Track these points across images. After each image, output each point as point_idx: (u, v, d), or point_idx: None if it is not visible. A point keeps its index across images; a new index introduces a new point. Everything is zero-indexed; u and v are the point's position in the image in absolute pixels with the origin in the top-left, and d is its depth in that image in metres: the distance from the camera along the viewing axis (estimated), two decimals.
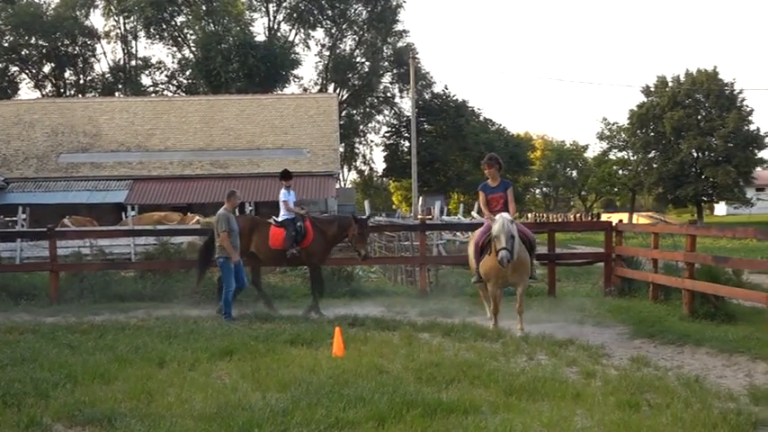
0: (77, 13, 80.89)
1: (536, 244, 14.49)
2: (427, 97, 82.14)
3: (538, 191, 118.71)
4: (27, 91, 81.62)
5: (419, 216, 32.21)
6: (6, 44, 79.63)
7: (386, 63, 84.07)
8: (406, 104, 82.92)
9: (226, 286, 16.23)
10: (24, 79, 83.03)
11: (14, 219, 34.42)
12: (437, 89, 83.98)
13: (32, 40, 79.83)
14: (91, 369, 10.57)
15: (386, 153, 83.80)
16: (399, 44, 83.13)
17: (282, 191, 17.47)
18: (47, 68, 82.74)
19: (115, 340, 12.99)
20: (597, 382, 10.04)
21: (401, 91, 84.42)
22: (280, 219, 17.31)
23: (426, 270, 20.32)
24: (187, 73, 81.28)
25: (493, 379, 9.91)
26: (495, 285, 13.93)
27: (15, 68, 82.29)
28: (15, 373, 10.45)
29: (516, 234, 13.25)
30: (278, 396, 9.12)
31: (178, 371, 10.71)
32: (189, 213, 39.68)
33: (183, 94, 77.09)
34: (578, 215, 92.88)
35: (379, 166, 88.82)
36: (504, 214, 13.35)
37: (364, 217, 18.55)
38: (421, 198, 42.34)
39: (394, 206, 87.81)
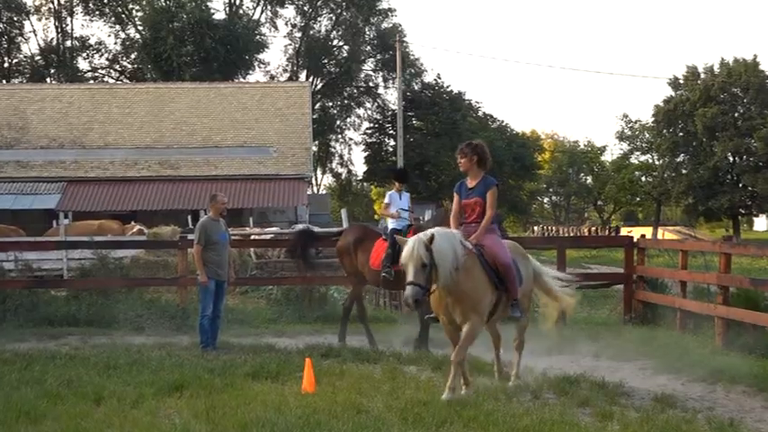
0: None
1: (515, 272, 12.02)
2: (416, 88, 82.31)
3: (546, 200, 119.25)
4: None
5: None
6: None
7: (368, 47, 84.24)
8: (391, 96, 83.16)
9: (201, 310, 16.20)
10: None
11: None
12: (428, 79, 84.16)
13: None
14: (15, 406, 10.53)
15: (367, 153, 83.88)
16: (384, 25, 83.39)
17: (390, 193, 17.41)
18: None
19: (43, 372, 12.95)
20: (614, 425, 10.08)
21: (386, 80, 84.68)
22: (390, 228, 17.04)
23: None
24: (132, 56, 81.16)
25: (492, 421, 9.92)
26: (445, 325, 11.97)
27: None
28: None
29: (450, 258, 11.20)
30: None
31: (118, 409, 10.69)
32: (133, 222, 39.60)
33: (128, 81, 77.02)
34: (593, 229, 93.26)
35: (359, 168, 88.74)
36: (432, 230, 11.32)
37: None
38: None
39: (376, 216, 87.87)
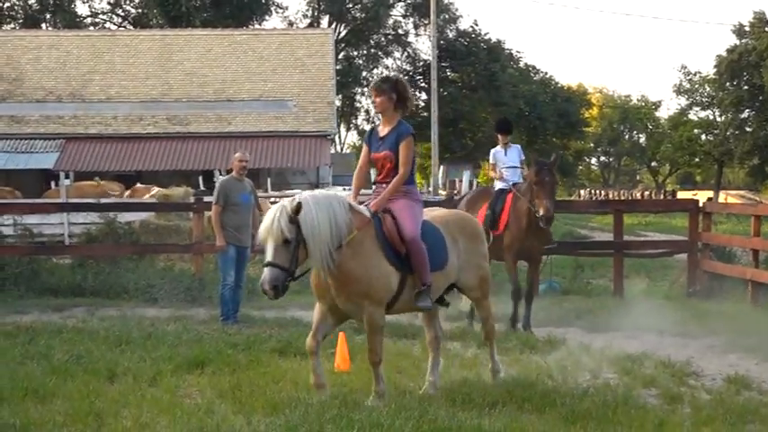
0: None
1: (421, 248, 10.31)
2: (451, 36, 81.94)
3: (594, 160, 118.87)
4: None
5: (441, 191, 32.32)
6: None
7: None
8: (423, 45, 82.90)
9: (221, 279, 16.27)
10: None
11: None
12: (464, 26, 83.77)
13: None
14: (21, 383, 10.60)
15: None
16: None
17: (494, 150, 17.09)
18: None
19: (50, 347, 13.04)
20: (685, 408, 10.11)
21: (417, 27, 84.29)
22: (496, 189, 16.79)
23: None
24: (136, 0, 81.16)
25: (548, 402, 9.94)
26: (321, 312, 10.54)
27: None
28: None
29: (325, 231, 9.78)
30: (267, 421, 9.15)
31: (134, 387, 10.76)
32: (139, 184, 39.69)
33: (131, 28, 77.01)
34: (647, 193, 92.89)
35: None
36: (304, 195, 10.04)
37: (549, 160, 16.53)
38: (442, 168, 42.52)
39: None
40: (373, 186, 10.89)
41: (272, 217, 9.62)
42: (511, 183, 16.26)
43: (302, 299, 18.20)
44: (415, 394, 10.40)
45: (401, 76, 11.08)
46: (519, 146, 17.13)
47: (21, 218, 23.94)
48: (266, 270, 9.61)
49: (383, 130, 10.81)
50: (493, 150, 17.00)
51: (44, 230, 27.15)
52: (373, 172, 11.11)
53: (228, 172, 17.86)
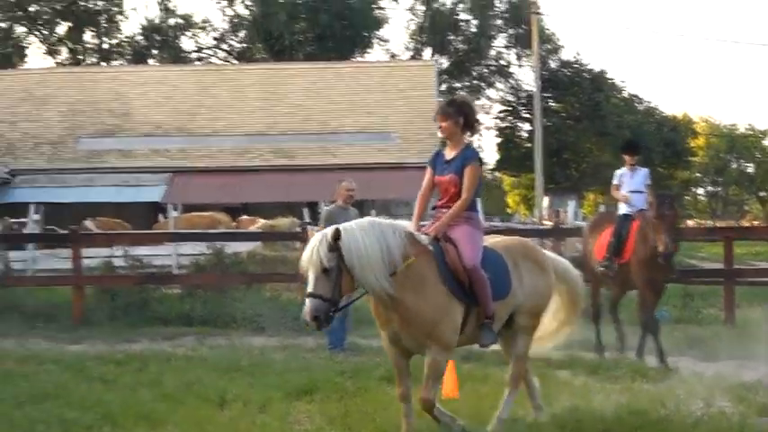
0: None
1: (483, 279, 9.81)
2: (554, 66, 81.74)
3: (701, 190, 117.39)
4: (38, 58, 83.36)
5: (545, 221, 32.16)
6: None
7: (499, 21, 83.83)
8: (525, 75, 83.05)
9: None
10: (34, 43, 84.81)
11: (23, 221, 35.23)
12: (566, 56, 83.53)
13: None
14: (133, 409, 10.80)
15: (499, 139, 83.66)
16: None
17: (619, 172, 16.81)
18: (62, 29, 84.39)
19: (160, 374, 13.27)
20: None
21: (519, 58, 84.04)
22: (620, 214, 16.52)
23: None
24: (241, 34, 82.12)
25: (661, 429, 9.83)
26: (387, 347, 10.27)
27: (23, 29, 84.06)
28: (37, 411, 10.72)
29: (375, 258, 9.37)
30: None
31: (244, 413, 10.89)
32: (244, 216, 40.07)
33: (236, 62, 77.92)
34: (756, 223, 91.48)
35: (490, 156, 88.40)
36: (350, 223, 9.75)
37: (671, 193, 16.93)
38: (547, 198, 42.31)
39: (509, 209, 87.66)
40: (433, 211, 10.51)
41: (312, 246, 9.31)
42: (636, 208, 15.92)
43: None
44: (524, 421, 10.36)
45: (467, 95, 10.39)
46: (647, 170, 16.72)
47: (131, 249, 24.34)
48: (307, 301, 9.25)
49: (449, 154, 10.43)
50: (618, 172, 16.69)
51: (153, 261, 27.53)
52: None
53: (332, 203, 17.96)
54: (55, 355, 15.24)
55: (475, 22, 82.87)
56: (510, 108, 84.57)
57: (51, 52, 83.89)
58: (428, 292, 9.52)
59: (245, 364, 14.04)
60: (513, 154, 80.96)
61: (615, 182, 16.61)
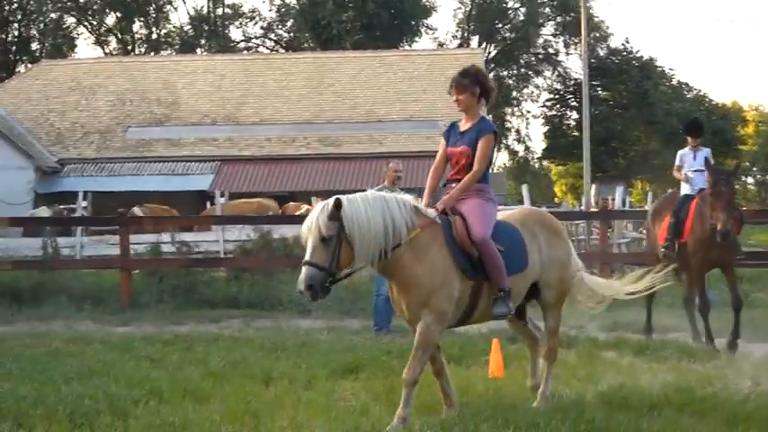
0: None
1: (494, 251, 9.45)
2: (602, 54, 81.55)
3: (750, 179, 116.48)
4: (87, 48, 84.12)
5: (593, 209, 32.01)
6: None
7: (547, 9, 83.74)
8: (573, 64, 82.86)
9: (375, 289, 16.38)
10: (83, 33, 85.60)
11: (72, 206, 35.47)
12: (615, 43, 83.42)
13: None
14: (179, 385, 10.85)
15: (547, 128, 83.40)
16: None
17: (681, 152, 16.54)
18: (110, 19, 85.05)
19: (207, 353, 13.35)
20: None
21: (567, 46, 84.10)
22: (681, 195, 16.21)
23: (609, 271, 20.16)
24: (288, 24, 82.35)
25: (708, 407, 9.78)
26: (412, 329, 9.73)
27: (72, 20, 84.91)
28: (84, 387, 10.79)
29: (378, 230, 9.13)
30: (422, 421, 9.14)
31: (289, 390, 10.89)
32: (290, 203, 40.10)
33: (284, 51, 78.10)
34: None
35: (538, 145, 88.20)
36: (357, 195, 9.40)
37: (729, 169, 16.22)
38: (594, 186, 42.07)
39: (556, 198, 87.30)
40: (444, 184, 10.13)
41: (313, 214, 9.11)
42: (697, 188, 15.60)
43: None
44: (569, 398, 10.30)
45: (477, 66, 9.79)
46: (708, 150, 16.37)
47: (178, 235, 24.46)
48: (303, 269, 8.94)
49: (464, 125, 9.97)
50: (680, 152, 16.43)
51: (200, 247, 27.69)
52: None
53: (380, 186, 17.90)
54: (102, 336, 15.35)
55: (523, 9, 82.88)
56: (557, 96, 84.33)
57: (101, 43, 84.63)
58: (428, 261, 9.23)
59: (291, 345, 14.09)
60: (561, 142, 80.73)
61: (677, 162, 16.32)
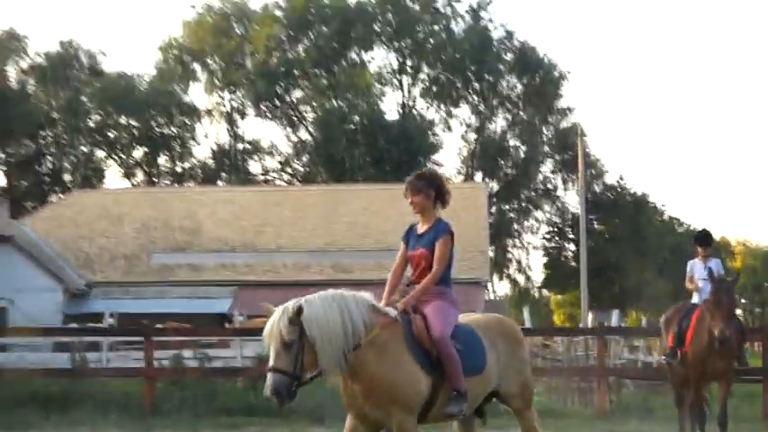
0: (175, 87, 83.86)
1: (450, 350, 9.05)
2: (598, 190, 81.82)
3: (739, 311, 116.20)
4: (115, 179, 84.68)
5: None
6: (92, 124, 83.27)
7: (546, 148, 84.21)
8: (570, 198, 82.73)
9: None
10: (112, 166, 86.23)
11: (99, 325, 35.62)
12: (610, 179, 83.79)
13: (122, 120, 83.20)
14: None
15: (546, 259, 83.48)
16: (563, 124, 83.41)
17: (692, 262, 16.23)
18: (138, 153, 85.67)
19: None
20: None
21: (565, 182, 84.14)
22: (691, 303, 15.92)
23: (606, 385, 20.19)
24: (304, 158, 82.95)
25: None
26: (350, 422, 9.36)
27: (102, 153, 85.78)
28: None
29: (337, 332, 8.74)
30: None
31: None
32: None
33: (300, 184, 78.59)
34: None
35: (537, 275, 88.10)
36: (312, 296, 9.03)
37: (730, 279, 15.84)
38: (591, 314, 42.17)
39: (555, 326, 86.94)
40: (407, 287, 9.64)
41: (273, 319, 8.68)
42: (704, 297, 15.11)
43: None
44: None
45: (433, 168, 9.43)
46: (719, 260, 16.23)
47: (199, 349, 24.62)
48: (269, 376, 8.63)
49: (421, 228, 9.67)
50: (690, 262, 16.13)
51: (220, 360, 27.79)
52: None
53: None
54: None
55: (523, 148, 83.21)
56: (556, 229, 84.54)
57: (128, 175, 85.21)
58: (391, 360, 8.82)
59: None
60: (560, 272, 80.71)
61: (688, 272, 16.03)
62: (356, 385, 8.84)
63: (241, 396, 20.91)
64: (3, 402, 20.43)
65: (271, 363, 8.59)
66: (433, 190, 9.63)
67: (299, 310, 8.55)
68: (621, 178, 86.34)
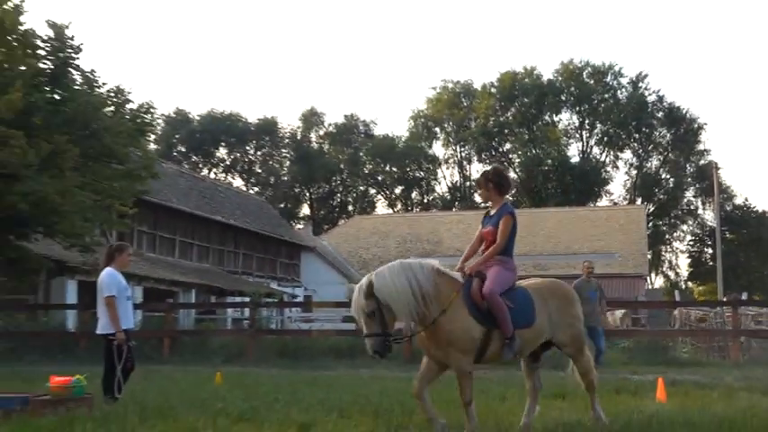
0: (423, 143, 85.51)
1: (500, 304, 7.95)
2: (728, 209, 78.40)
3: None
4: (382, 208, 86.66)
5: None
6: (367, 171, 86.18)
7: (689, 179, 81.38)
8: (708, 215, 79.77)
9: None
10: (380, 199, 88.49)
11: None
12: (738, 201, 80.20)
13: (387, 167, 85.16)
14: None
15: (690, 260, 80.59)
16: (701, 162, 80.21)
17: None
18: (398, 190, 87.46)
19: None
20: None
21: (704, 204, 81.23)
22: None
23: (739, 342, 19.28)
24: (513, 191, 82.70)
25: None
26: (424, 362, 8.26)
27: (373, 191, 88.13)
28: None
29: (406, 293, 7.75)
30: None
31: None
32: None
33: None
34: None
35: (684, 272, 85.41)
36: (381, 269, 7.95)
37: None
38: (725, 298, 40.27)
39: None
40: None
41: (354, 297, 7.84)
42: None
43: (629, 367, 17.51)
44: (721, 416, 9.11)
45: (497, 165, 8.37)
46: None
47: None
48: (366, 341, 7.72)
49: (492, 211, 8.62)
50: None
51: None
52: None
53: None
54: None
55: (672, 179, 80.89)
56: (697, 238, 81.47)
57: (391, 205, 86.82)
58: (452, 314, 7.79)
59: None
60: (701, 269, 77.58)
61: None
62: (426, 333, 7.90)
63: None
64: (311, 352, 20.92)
65: (364, 331, 7.73)
66: (492, 183, 8.62)
67: (371, 285, 7.70)
68: (747, 200, 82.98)
